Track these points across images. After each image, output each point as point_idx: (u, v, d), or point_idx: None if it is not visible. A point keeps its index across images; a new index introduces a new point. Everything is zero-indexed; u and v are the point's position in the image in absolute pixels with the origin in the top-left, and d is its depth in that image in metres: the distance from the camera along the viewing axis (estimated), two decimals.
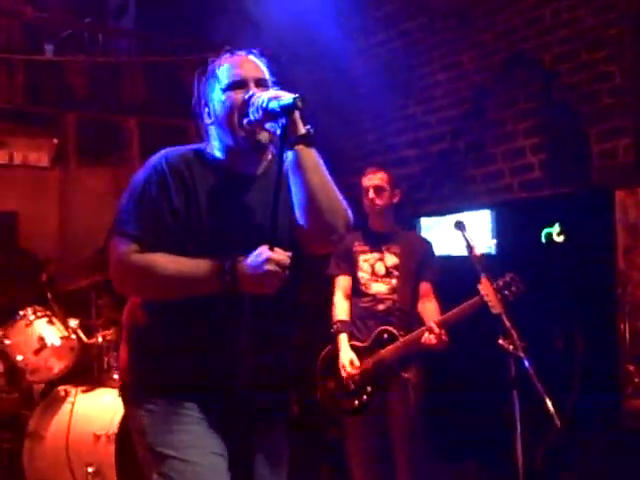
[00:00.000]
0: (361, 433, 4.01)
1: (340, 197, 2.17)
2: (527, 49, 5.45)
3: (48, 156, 6.01)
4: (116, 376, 4.31)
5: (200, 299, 2.11)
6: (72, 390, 4.28)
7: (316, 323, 4.39)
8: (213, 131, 2.27)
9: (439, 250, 5.18)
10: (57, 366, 4.42)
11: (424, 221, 5.78)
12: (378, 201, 4.09)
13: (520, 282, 3.71)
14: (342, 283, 4.11)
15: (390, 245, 4.14)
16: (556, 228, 4.83)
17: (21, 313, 4.41)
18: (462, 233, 3.70)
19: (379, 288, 4.06)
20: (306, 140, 2.09)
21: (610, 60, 4.95)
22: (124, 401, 2.30)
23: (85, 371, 4.52)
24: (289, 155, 2.10)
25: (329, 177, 2.15)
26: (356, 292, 4.09)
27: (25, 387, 4.49)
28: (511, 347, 3.33)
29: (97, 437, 4.03)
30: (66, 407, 4.21)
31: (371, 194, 4.08)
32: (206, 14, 7.84)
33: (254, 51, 2.30)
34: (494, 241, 5.29)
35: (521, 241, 5.06)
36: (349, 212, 2.19)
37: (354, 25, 6.59)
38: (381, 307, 4.03)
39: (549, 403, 3.10)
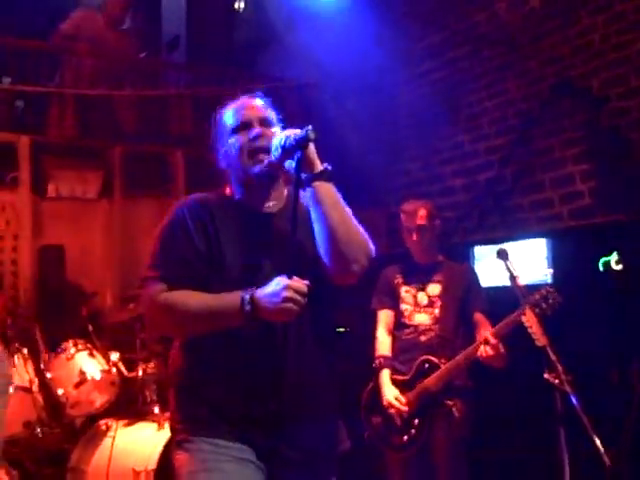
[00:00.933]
0: (403, 470, 3.89)
1: (360, 229, 2.22)
2: (574, 75, 5.34)
3: (95, 188, 6.07)
4: (156, 410, 4.29)
5: (235, 339, 2.17)
6: (113, 424, 4.26)
7: (362, 353, 4.31)
8: (229, 173, 2.37)
9: (492, 280, 5.08)
10: (98, 400, 4.40)
11: (478, 250, 5.65)
12: (423, 240, 4.02)
13: (557, 294, 3.58)
14: (384, 318, 4.05)
15: (433, 275, 4.04)
16: (614, 256, 4.69)
17: (63, 346, 4.43)
18: (504, 262, 3.60)
19: (421, 319, 3.95)
20: (323, 176, 2.18)
21: None
22: (173, 444, 2.34)
23: (126, 405, 4.49)
24: (307, 192, 2.18)
25: (348, 210, 2.21)
26: (399, 324, 4.00)
27: (67, 421, 4.47)
28: (557, 381, 3.21)
29: (137, 473, 3.98)
30: (107, 441, 4.18)
31: (415, 237, 4.01)
32: (255, 46, 7.94)
33: (257, 94, 2.43)
34: (550, 270, 5.15)
35: (578, 270, 4.91)
36: (370, 244, 2.24)
37: (400, 55, 6.57)
38: (423, 338, 3.92)
39: (597, 441, 2.96)
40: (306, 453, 2.22)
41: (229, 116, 2.36)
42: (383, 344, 3.98)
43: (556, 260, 5.13)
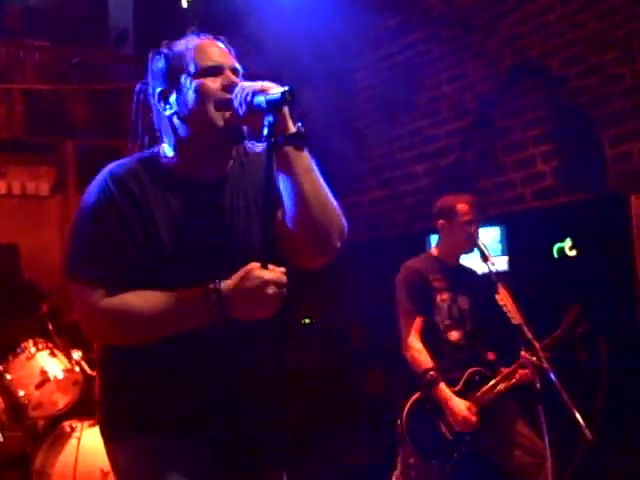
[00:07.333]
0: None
1: (334, 203, 1.91)
2: (533, 55, 5.33)
3: (48, 185, 5.92)
4: None
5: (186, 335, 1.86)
6: (78, 425, 4.11)
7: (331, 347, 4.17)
8: (171, 125, 1.95)
9: None
10: (61, 400, 4.25)
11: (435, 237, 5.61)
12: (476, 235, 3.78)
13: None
14: (419, 325, 3.69)
15: (461, 282, 3.83)
16: (568, 242, 4.70)
17: (22, 346, 4.25)
18: (476, 242, 3.59)
19: (457, 335, 3.73)
20: (297, 139, 1.83)
21: (619, 62, 4.82)
22: (102, 436, 2.04)
23: (91, 404, 4.35)
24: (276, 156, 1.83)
25: (322, 181, 1.89)
26: (432, 337, 3.69)
27: (29, 424, 4.30)
28: (534, 359, 3.18)
29: (105, 473, 3.87)
30: (72, 443, 4.04)
31: (474, 229, 3.78)
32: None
33: (222, 38, 2.02)
34: (505, 258, 5.14)
35: (534, 254, 4.91)
36: (344, 221, 1.93)
37: (358, 40, 6.49)
38: (463, 355, 3.73)
39: (578, 416, 2.94)
40: (248, 460, 1.99)
41: (192, 55, 1.93)
42: (424, 355, 3.62)
43: (512, 247, 5.13)
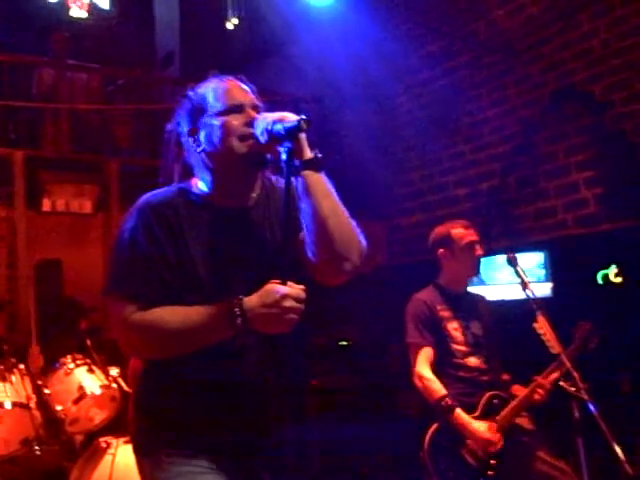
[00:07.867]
0: None
1: (353, 224, 2.02)
2: (576, 81, 5.29)
3: (91, 203, 6.00)
4: None
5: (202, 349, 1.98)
6: (113, 441, 4.11)
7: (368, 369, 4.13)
8: (202, 160, 2.10)
9: (492, 295, 4.98)
10: (98, 416, 4.28)
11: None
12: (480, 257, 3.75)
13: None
14: (429, 355, 3.66)
15: (470, 309, 3.80)
16: (613, 269, 4.62)
17: (60, 361, 4.31)
18: (515, 269, 3.52)
19: (476, 361, 3.68)
20: (314, 165, 1.96)
21: None
22: (134, 452, 2.15)
23: (127, 421, 4.37)
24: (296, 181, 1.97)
25: (340, 203, 2.00)
26: (450, 364, 3.66)
27: (66, 439, 4.34)
28: (573, 389, 3.11)
29: None
30: (107, 459, 4.04)
31: (479, 250, 3.74)
32: (250, 60, 7.89)
33: (241, 77, 2.15)
34: (549, 284, 5.07)
35: (578, 281, 4.84)
36: (363, 240, 2.04)
37: (399, 65, 6.51)
38: (485, 378, 3.67)
39: (619, 449, 2.86)
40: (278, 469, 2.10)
41: (215, 95, 2.08)
42: (436, 383, 3.58)
43: (555, 273, 5.06)
